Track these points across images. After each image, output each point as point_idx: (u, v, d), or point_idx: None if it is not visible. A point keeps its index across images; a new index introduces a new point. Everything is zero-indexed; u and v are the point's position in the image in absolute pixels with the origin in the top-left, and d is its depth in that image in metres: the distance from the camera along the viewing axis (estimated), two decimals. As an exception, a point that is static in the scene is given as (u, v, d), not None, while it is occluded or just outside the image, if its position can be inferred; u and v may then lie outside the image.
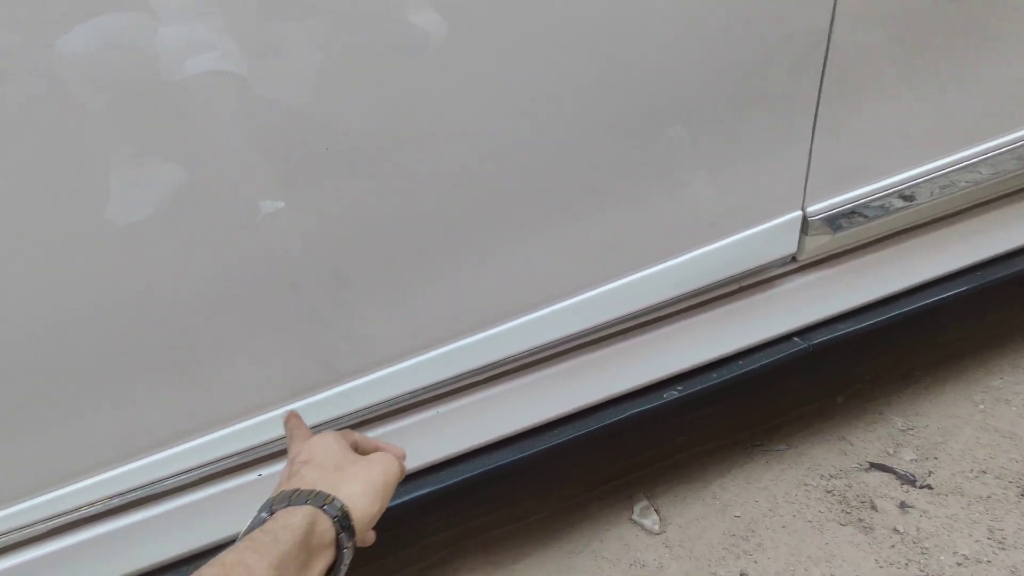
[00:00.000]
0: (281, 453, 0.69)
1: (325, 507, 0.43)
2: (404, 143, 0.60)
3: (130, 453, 0.64)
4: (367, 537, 0.48)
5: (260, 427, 0.67)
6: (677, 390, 0.86)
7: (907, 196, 0.81)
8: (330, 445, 0.50)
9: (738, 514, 0.94)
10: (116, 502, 0.65)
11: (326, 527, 0.43)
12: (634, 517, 0.95)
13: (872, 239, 0.87)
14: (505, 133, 0.64)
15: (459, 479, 0.79)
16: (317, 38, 0.55)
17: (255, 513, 0.44)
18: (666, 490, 1.00)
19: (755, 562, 0.86)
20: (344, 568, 0.44)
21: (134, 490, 0.65)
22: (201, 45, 0.52)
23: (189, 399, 0.64)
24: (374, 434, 0.73)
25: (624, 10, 0.62)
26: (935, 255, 0.92)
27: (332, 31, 0.55)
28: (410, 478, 0.78)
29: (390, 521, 0.76)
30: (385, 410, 0.73)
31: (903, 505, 0.92)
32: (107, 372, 0.60)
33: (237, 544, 0.40)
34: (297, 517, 0.42)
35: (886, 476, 0.97)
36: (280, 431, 0.66)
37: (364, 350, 0.69)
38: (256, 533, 0.41)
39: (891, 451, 1.02)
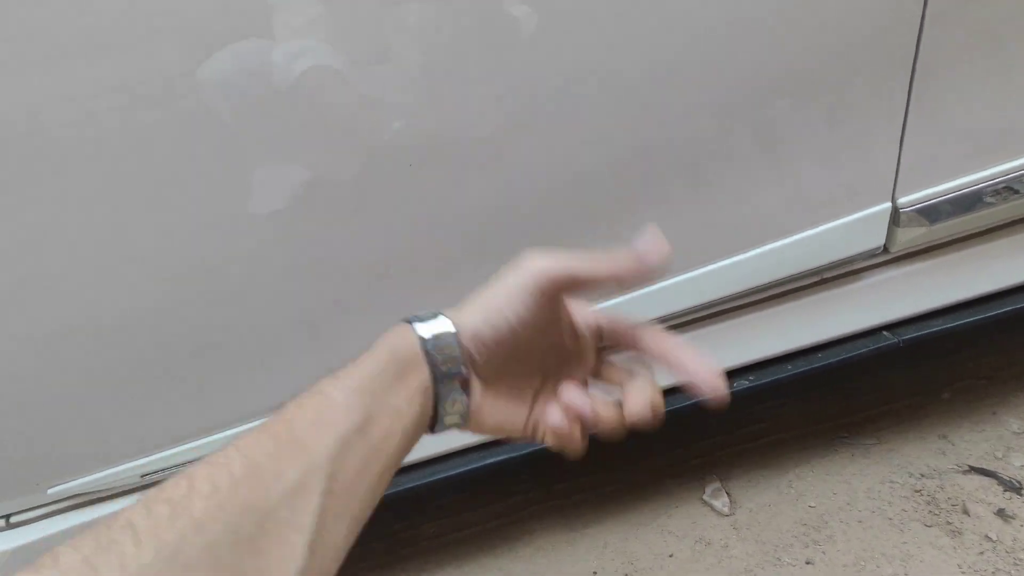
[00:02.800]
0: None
1: (428, 350, 0.34)
2: (509, 133, 0.65)
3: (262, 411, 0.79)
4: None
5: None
6: (748, 380, 0.87)
7: (1014, 188, 0.75)
8: None
9: (812, 504, 0.94)
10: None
11: (421, 371, 0.33)
12: (705, 497, 0.99)
13: (976, 231, 0.81)
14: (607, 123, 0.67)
15: (543, 447, 0.88)
16: (420, 39, 0.60)
17: None
18: (741, 474, 1.02)
19: (823, 552, 0.87)
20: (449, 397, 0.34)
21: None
22: (315, 57, 0.60)
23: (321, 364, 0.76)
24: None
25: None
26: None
27: (434, 32, 0.60)
28: (498, 443, 0.88)
29: (476, 481, 0.87)
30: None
31: (1001, 512, 0.87)
32: (256, 341, 0.74)
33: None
34: (393, 344, 0.33)
35: (987, 480, 0.91)
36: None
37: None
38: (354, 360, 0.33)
39: (999, 455, 0.95)
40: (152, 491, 0.26)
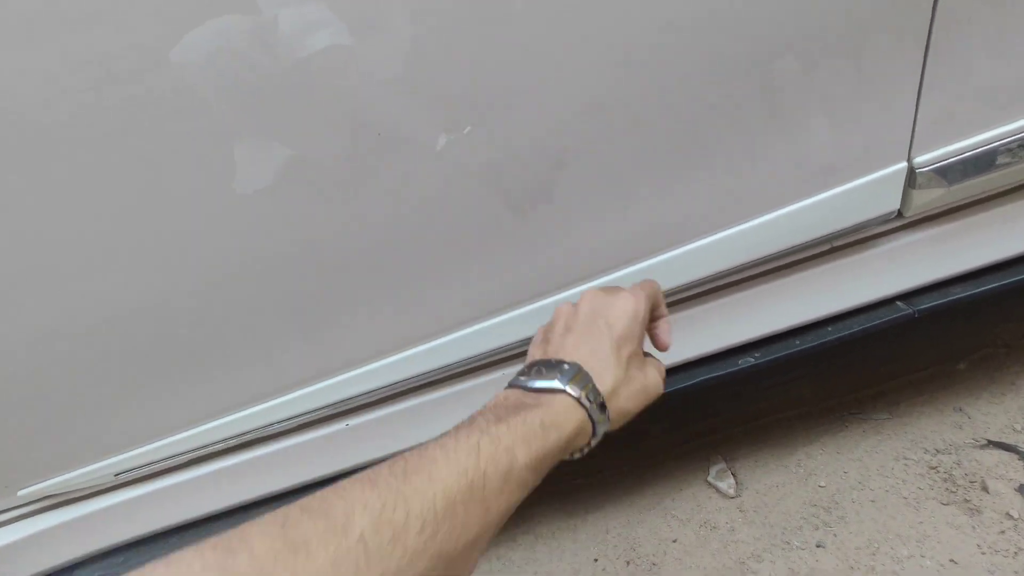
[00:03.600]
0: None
1: (594, 418, 0.43)
2: (502, 98, 0.60)
3: (259, 397, 0.75)
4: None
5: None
6: (754, 357, 0.83)
7: (1042, 142, 0.69)
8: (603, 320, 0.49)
9: (823, 484, 0.90)
10: (247, 438, 0.77)
11: (586, 436, 0.43)
12: (709, 479, 0.95)
13: (999, 191, 0.75)
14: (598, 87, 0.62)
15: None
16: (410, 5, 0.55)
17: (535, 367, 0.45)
18: (747, 454, 0.97)
19: (834, 535, 0.83)
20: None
21: (267, 426, 0.76)
22: (332, 37, 0.55)
23: (319, 349, 0.71)
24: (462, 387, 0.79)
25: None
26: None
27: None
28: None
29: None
30: (464, 368, 0.78)
31: (1023, 488, 0.82)
32: (248, 329, 0.69)
33: (513, 422, 0.39)
34: (572, 423, 0.41)
35: (1006, 455, 0.87)
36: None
37: (450, 311, 0.73)
38: (533, 420, 0.40)
39: (1018, 427, 0.90)
40: (376, 504, 0.31)
